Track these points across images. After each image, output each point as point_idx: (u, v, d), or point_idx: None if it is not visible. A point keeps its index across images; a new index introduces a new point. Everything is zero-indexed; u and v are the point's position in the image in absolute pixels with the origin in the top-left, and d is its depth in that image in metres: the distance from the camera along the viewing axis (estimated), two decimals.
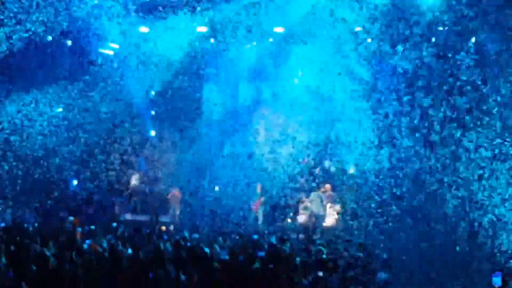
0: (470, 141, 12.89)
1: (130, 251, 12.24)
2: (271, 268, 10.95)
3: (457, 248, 11.78)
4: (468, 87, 13.45)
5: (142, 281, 10.58)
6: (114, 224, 16.35)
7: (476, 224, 11.25)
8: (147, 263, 11.15)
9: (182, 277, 10.53)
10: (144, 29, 20.70)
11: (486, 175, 12.10)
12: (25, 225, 15.97)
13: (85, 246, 12.60)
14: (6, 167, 19.42)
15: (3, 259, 10.54)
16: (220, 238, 14.38)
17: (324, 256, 12.12)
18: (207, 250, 11.98)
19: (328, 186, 20.27)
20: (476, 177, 12.09)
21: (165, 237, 13.61)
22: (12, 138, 19.31)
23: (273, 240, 14.33)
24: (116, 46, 20.83)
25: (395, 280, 10.61)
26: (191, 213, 20.16)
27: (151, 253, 11.82)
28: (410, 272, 10.89)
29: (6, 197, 18.99)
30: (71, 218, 16.94)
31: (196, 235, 14.97)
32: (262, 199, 20.71)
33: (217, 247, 12.70)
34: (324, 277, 10.80)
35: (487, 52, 13.92)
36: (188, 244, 13.02)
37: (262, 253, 11.60)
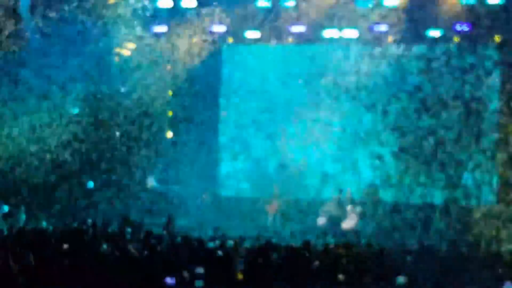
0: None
1: (146, 253, 12.15)
2: (289, 271, 10.83)
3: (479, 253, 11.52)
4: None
5: (157, 286, 10.45)
6: (130, 227, 16.27)
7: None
8: (162, 267, 11.03)
9: (198, 282, 10.44)
10: (160, 28, 20.71)
11: None
12: (40, 227, 15.96)
13: (101, 249, 12.51)
14: (22, 169, 19.46)
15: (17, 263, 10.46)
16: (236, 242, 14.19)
17: (344, 260, 11.96)
18: (220, 253, 11.85)
19: (348, 189, 20.16)
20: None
21: (179, 240, 13.49)
22: (28, 139, 19.34)
23: (292, 243, 14.14)
24: (133, 46, 20.79)
25: (413, 284, 10.44)
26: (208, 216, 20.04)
27: (166, 256, 11.71)
28: (428, 276, 10.67)
29: (21, 199, 18.98)
30: (90, 220, 16.90)
31: (216, 240, 14.80)
32: (279, 201, 20.57)
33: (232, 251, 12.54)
34: (343, 280, 10.68)
35: None
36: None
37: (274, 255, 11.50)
